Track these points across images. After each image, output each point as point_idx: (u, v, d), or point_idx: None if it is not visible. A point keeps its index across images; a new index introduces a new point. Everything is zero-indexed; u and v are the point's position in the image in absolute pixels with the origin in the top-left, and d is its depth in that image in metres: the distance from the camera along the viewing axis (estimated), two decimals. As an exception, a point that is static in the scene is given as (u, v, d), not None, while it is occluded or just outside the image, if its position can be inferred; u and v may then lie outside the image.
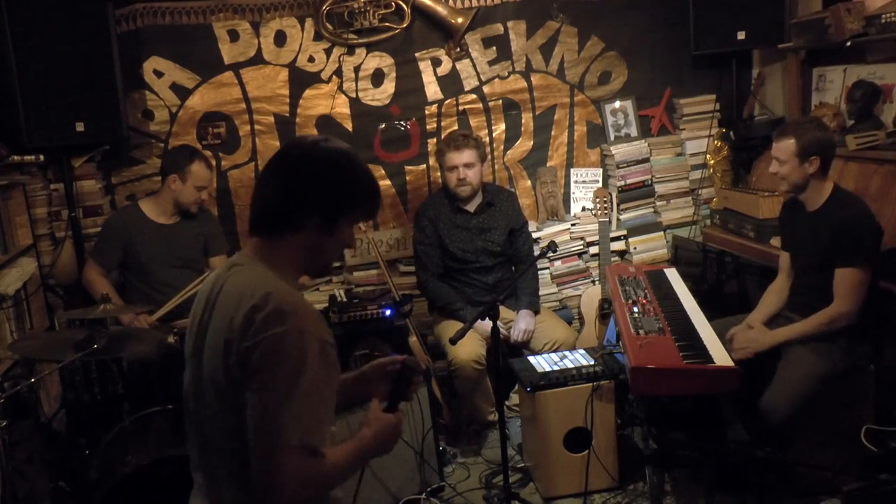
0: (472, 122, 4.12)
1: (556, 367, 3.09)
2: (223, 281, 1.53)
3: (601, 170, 4.26)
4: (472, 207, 3.61)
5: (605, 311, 3.73)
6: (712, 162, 4.26)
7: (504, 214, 3.64)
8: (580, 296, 4.00)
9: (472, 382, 3.36)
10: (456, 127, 4.10)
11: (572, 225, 4.14)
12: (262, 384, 1.39)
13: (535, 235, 3.98)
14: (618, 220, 4.22)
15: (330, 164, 1.52)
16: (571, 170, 4.26)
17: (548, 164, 4.23)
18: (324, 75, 3.94)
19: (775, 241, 3.37)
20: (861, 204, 2.82)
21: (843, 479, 2.65)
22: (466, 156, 3.49)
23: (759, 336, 2.90)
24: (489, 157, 4.15)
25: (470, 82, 4.08)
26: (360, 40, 3.91)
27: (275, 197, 1.51)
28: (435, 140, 4.09)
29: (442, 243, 3.59)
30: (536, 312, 3.57)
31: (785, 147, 2.80)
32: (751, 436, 2.90)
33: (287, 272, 1.54)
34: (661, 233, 4.24)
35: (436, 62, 4.03)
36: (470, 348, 3.29)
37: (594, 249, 4.14)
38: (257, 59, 3.87)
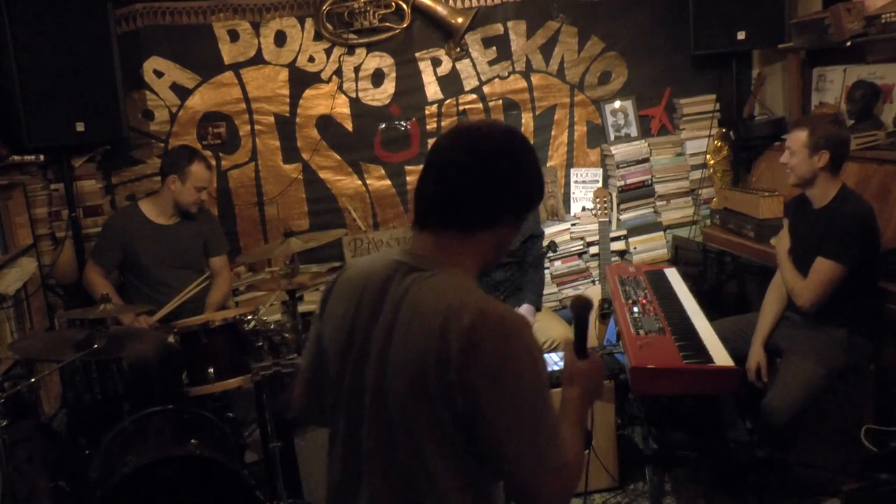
0: (472, 122, 4.11)
1: (556, 367, 3.08)
2: (408, 284, 1.32)
3: (601, 170, 4.26)
4: None
5: (605, 311, 3.73)
6: (712, 162, 4.26)
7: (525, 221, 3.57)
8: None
9: None
10: (456, 127, 4.09)
11: (572, 225, 4.13)
12: (511, 408, 1.23)
13: (535, 235, 3.98)
14: (618, 220, 4.21)
15: (529, 153, 1.40)
16: (571, 170, 4.26)
17: (548, 164, 4.23)
18: (324, 75, 3.94)
19: (775, 241, 3.37)
20: (864, 204, 2.81)
21: (843, 479, 2.66)
22: None
23: (749, 364, 2.91)
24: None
25: (470, 82, 4.08)
26: (360, 40, 3.92)
27: (475, 190, 1.33)
28: (435, 140, 4.08)
29: None
30: (538, 311, 3.56)
31: (797, 137, 2.78)
32: (753, 436, 2.91)
33: (474, 273, 1.38)
34: (661, 233, 4.24)
35: (436, 62, 4.04)
36: None
37: (594, 249, 4.14)
38: (257, 59, 3.87)
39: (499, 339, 1.24)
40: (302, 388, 1.55)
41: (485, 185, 1.34)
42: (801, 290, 2.79)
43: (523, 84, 4.14)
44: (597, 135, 4.26)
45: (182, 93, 3.82)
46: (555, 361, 3.14)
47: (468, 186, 1.34)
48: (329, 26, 3.86)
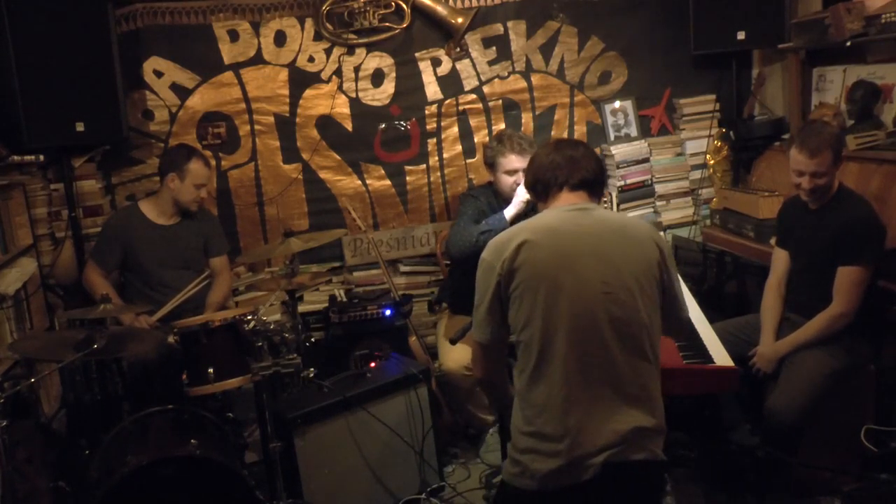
0: (472, 122, 4.12)
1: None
2: (598, 217, 2.06)
3: (601, 170, 4.25)
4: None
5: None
6: (712, 162, 4.26)
7: None
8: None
9: (462, 391, 3.34)
10: (456, 128, 4.10)
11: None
12: (676, 276, 2.12)
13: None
14: (618, 220, 4.21)
15: None
16: (571, 170, 4.25)
17: (548, 164, 4.22)
18: (324, 75, 3.94)
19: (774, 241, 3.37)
20: (866, 203, 2.82)
21: (843, 479, 2.66)
22: (528, 161, 3.42)
23: (764, 351, 2.91)
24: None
25: (470, 82, 4.08)
26: (360, 40, 3.92)
27: (601, 172, 2.16)
28: (435, 140, 4.10)
29: None
30: None
31: (822, 160, 2.75)
32: (755, 437, 2.91)
33: None
34: (661, 233, 4.24)
35: (436, 62, 4.03)
36: (460, 354, 3.23)
37: (594, 249, 4.14)
38: (257, 59, 3.87)
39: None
40: (496, 329, 2.05)
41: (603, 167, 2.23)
42: (836, 314, 2.77)
43: (523, 84, 4.14)
44: (597, 135, 4.26)
45: (182, 93, 3.82)
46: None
47: (598, 168, 2.17)
48: (329, 26, 3.86)
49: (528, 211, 3.28)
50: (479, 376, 2.18)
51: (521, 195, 3.31)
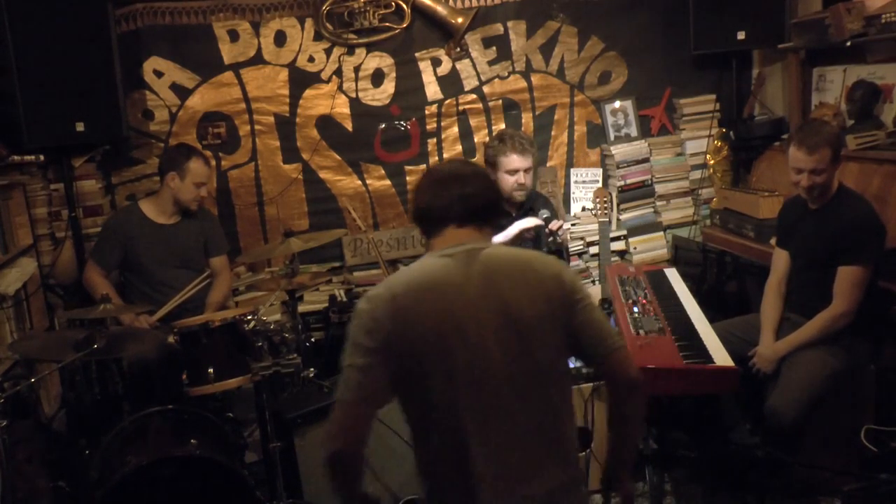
0: (472, 122, 4.12)
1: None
2: (486, 259, 1.74)
3: (601, 170, 4.26)
4: (514, 211, 3.51)
5: (606, 310, 3.72)
6: (712, 162, 4.26)
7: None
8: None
9: None
10: (456, 128, 4.10)
11: (572, 225, 4.13)
12: (591, 305, 1.79)
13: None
14: (618, 220, 4.21)
15: None
16: (571, 170, 4.26)
17: (548, 164, 4.23)
18: (324, 75, 3.94)
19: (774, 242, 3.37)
20: (866, 203, 2.82)
21: (843, 479, 2.66)
22: (529, 161, 3.40)
23: (764, 351, 2.91)
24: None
25: (470, 82, 4.08)
26: (360, 40, 3.91)
27: (493, 199, 1.88)
28: (435, 140, 4.10)
29: None
30: None
31: (821, 157, 2.75)
32: (755, 437, 2.91)
33: None
34: (661, 233, 4.24)
35: (436, 62, 4.03)
36: None
37: (594, 249, 4.14)
38: (257, 59, 3.87)
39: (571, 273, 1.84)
40: (364, 413, 1.69)
41: (497, 194, 1.95)
42: (837, 313, 2.77)
43: (523, 84, 4.14)
44: (597, 135, 4.26)
45: (182, 93, 3.82)
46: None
47: (493, 196, 1.89)
48: (329, 26, 3.86)
49: (525, 239, 3.26)
50: (334, 448, 1.67)
51: (518, 227, 3.25)
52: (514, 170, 3.38)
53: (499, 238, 3.29)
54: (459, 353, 1.66)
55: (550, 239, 3.39)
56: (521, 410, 1.69)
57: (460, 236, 1.79)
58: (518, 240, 3.25)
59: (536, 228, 3.27)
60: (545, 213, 3.35)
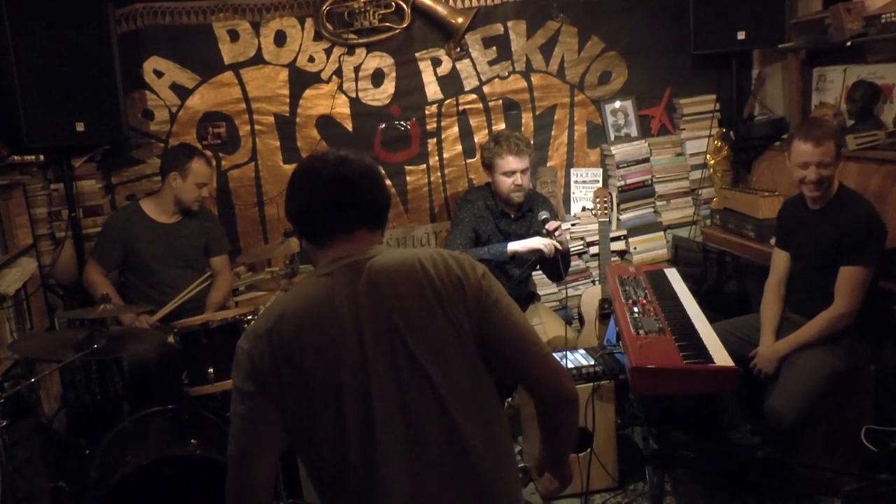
0: (473, 122, 4.12)
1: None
2: (373, 273, 1.53)
3: (601, 170, 4.26)
4: (512, 212, 3.51)
5: (605, 311, 3.73)
6: (712, 162, 4.26)
7: (539, 221, 3.46)
8: (580, 296, 4.00)
9: None
10: (456, 128, 4.10)
11: (572, 225, 4.13)
12: (507, 309, 1.56)
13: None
14: (618, 220, 4.21)
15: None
16: (571, 170, 4.26)
17: (548, 164, 4.23)
18: (324, 75, 3.94)
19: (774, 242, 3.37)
20: (867, 203, 2.82)
21: (843, 479, 2.66)
22: (525, 162, 3.38)
23: (764, 352, 2.91)
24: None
25: (470, 82, 4.08)
26: (360, 40, 3.91)
27: (378, 195, 1.62)
28: (435, 140, 4.09)
29: (478, 240, 3.45)
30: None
31: (828, 150, 2.76)
32: (756, 437, 2.91)
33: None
34: (661, 233, 4.24)
35: (436, 62, 4.03)
36: None
37: (594, 249, 4.14)
38: (257, 59, 3.87)
39: (470, 264, 1.59)
40: (255, 466, 1.50)
41: (385, 195, 1.67)
42: (839, 313, 2.77)
43: (523, 84, 4.14)
44: (597, 135, 4.26)
45: (182, 93, 3.82)
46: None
47: (380, 197, 1.63)
48: (329, 26, 3.86)
49: (541, 258, 3.27)
50: None
51: (537, 243, 3.27)
52: (510, 171, 3.37)
53: (514, 246, 3.29)
54: (346, 389, 1.46)
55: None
56: (425, 446, 1.48)
57: (347, 247, 1.56)
58: (532, 253, 3.26)
59: (549, 253, 3.26)
60: (544, 214, 3.35)
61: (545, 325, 3.53)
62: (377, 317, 1.49)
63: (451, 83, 4.06)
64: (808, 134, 2.78)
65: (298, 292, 1.56)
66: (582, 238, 4.15)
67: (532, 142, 4.16)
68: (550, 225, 3.29)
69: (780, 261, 3.07)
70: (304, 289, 1.56)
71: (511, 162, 3.36)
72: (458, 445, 1.50)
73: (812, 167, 2.78)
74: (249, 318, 2.82)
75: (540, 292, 3.93)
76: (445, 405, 1.49)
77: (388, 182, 1.44)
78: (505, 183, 3.40)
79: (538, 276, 3.81)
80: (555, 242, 3.24)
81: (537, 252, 3.28)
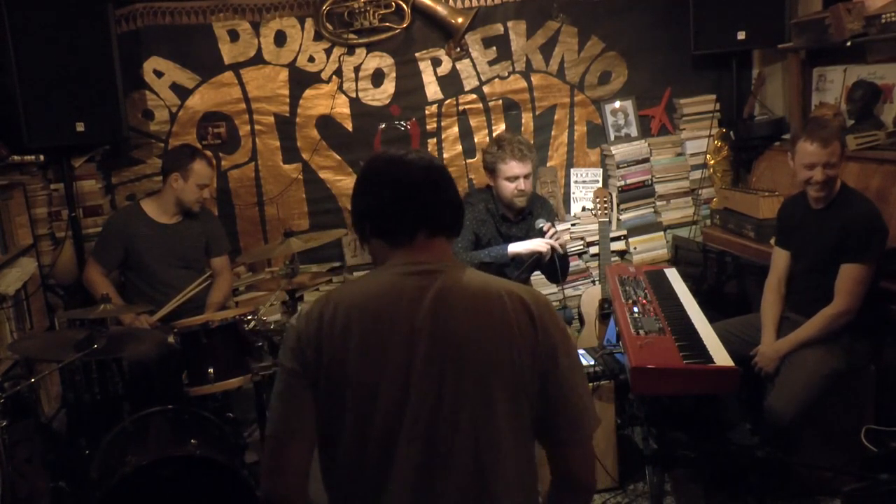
0: (473, 122, 4.12)
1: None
2: (440, 286, 1.42)
3: (601, 170, 4.26)
4: (513, 215, 3.47)
5: (605, 311, 3.73)
6: (712, 162, 4.26)
7: (536, 230, 3.40)
8: (580, 296, 4.00)
9: None
10: (456, 128, 4.10)
11: (572, 225, 4.13)
12: (571, 371, 1.44)
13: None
14: (618, 220, 4.21)
15: None
16: (571, 170, 4.26)
17: (548, 164, 4.23)
18: (324, 75, 3.94)
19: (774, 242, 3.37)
20: (870, 202, 2.82)
21: (843, 479, 2.65)
22: (528, 167, 3.33)
23: (765, 350, 2.90)
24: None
25: (470, 82, 4.08)
26: (360, 40, 3.91)
27: (459, 203, 1.54)
28: (435, 140, 4.09)
29: (478, 244, 3.41)
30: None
31: (834, 150, 2.76)
32: (755, 437, 2.91)
33: None
34: (661, 233, 4.24)
35: (436, 62, 4.03)
36: None
37: (594, 249, 4.14)
38: (257, 59, 3.87)
39: (550, 310, 1.47)
40: (291, 451, 1.43)
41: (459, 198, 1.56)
42: (838, 311, 2.77)
43: (523, 84, 4.14)
44: (597, 135, 4.26)
45: (182, 93, 3.82)
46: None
47: (456, 199, 1.53)
48: (329, 26, 3.86)
49: (540, 260, 3.24)
50: (265, 490, 1.46)
51: (536, 245, 3.23)
52: (513, 176, 3.32)
53: (515, 248, 3.27)
54: (381, 399, 1.38)
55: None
56: (441, 474, 1.38)
57: (424, 253, 1.47)
58: (531, 255, 3.23)
59: (546, 254, 3.24)
60: (541, 223, 3.31)
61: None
62: (435, 335, 1.39)
63: (451, 83, 4.06)
64: (815, 135, 2.78)
65: (364, 284, 1.47)
66: (582, 238, 4.15)
67: (532, 142, 4.17)
68: (546, 227, 3.28)
69: (780, 260, 3.07)
70: (370, 282, 1.47)
71: (514, 167, 3.31)
72: (477, 487, 1.40)
73: (818, 168, 2.78)
74: (249, 318, 2.82)
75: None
76: (478, 445, 1.39)
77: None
78: (508, 188, 3.35)
79: (538, 277, 3.80)
80: (553, 243, 3.23)
81: (536, 253, 3.27)
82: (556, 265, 3.32)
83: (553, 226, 3.32)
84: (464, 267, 1.49)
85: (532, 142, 4.18)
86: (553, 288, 4.09)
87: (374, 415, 1.38)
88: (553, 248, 3.23)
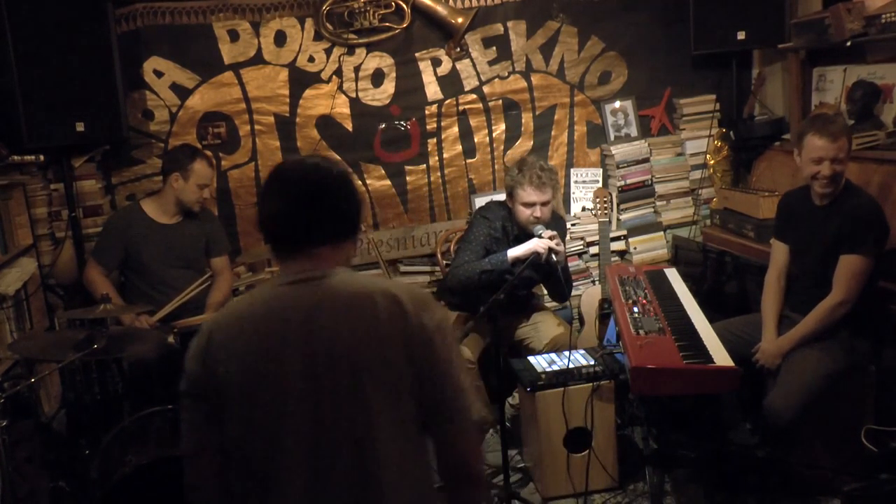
0: (472, 122, 4.12)
1: (556, 367, 3.09)
2: (322, 293, 1.45)
3: (601, 170, 4.26)
4: (527, 238, 3.36)
5: (605, 311, 3.73)
6: (712, 162, 4.26)
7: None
8: (580, 296, 4.00)
9: None
10: (456, 128, 4.09)
11: (572, 225, 4.13)
12: (448, 364, 1.46)
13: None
14: (618, 220, 4.22)
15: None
16: (571, 170, 4.26)
17: (548, 164, 4.23)
18: (324, 75, 3.94)
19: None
20: (872, 197, 2.83)
21: (843, 479, 2.66)
22: (547, 195, 3.27)
23: (767, 346, 2.90)
24: (489, 157, 4.16)
25: (470, 82, 4.08)
26: (360, 40, 3.92)
27: (346, 209, 1.53)
28: (435, 140, 4.10)
29: (488, 255, 3.33)
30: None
31: (842, 145, 2.76)
32: (755, 437, 2.91)
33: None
34: (661, 233, 4.24)
35: (436, 62, 4.04)
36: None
37: (594, 249, 4.14)
38: (257, 59, 3.87)
39: (431, 306, 1.49)
40: (201, 466, 1.49)
41: (351, 204, 1.55)
42: (835, 303, 2.76)
43: (523, 84, 4.14)
44: (597, 135, 4.26)
45: (182, 93, 3.82)
46: (554, 362, 3.14)
47: (341, 206, 1.53)
48: (329, 26, 3.86)
49: (537, 260, 3.18)
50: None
51: (534, 244, 3.19)
52: (530, 203, 3.26)
53: (514, 252, 3.24)
54: (262, 410, 1.42)
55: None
56: (329, 480, 1.41)
57: (311, 259, 1.48)
58: (530, 255, 3.17)
59: (546, 255, 3.19)
60: (539, 230, 3.28)
61: (544, 324, 3.52)
62: (310, 343, 1.42)
63: (450, 83, 4.06)
64: (824, 129, 2.77)
65: (250, 298, 1.51)
66: (582, 238, 4.15)
67: (532, 142, 4.17)
68: (546, 234, 3.25)
69: (779, 254, 3.06)
70: (255, 296, 1.51)
71: (531, 194, 3.25)
72: (366, 485, 1.43)
73: (826, 162, 2.77)
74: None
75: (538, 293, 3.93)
76: (363, 449, 1.42)
77: (359, 187, 1.41)
78: (524, 213, 3.29)
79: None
80: (551, 244, 3.20)
81: (534, 253, 3.25)
82: (560, 282, 3.27)
83: (556, 234, 3.27)
84: (346, 272, 1.50)
85: (532, 142, 4.19)
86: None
87: (258, 428, 1.42)
88: (551, 250, 3.21)
